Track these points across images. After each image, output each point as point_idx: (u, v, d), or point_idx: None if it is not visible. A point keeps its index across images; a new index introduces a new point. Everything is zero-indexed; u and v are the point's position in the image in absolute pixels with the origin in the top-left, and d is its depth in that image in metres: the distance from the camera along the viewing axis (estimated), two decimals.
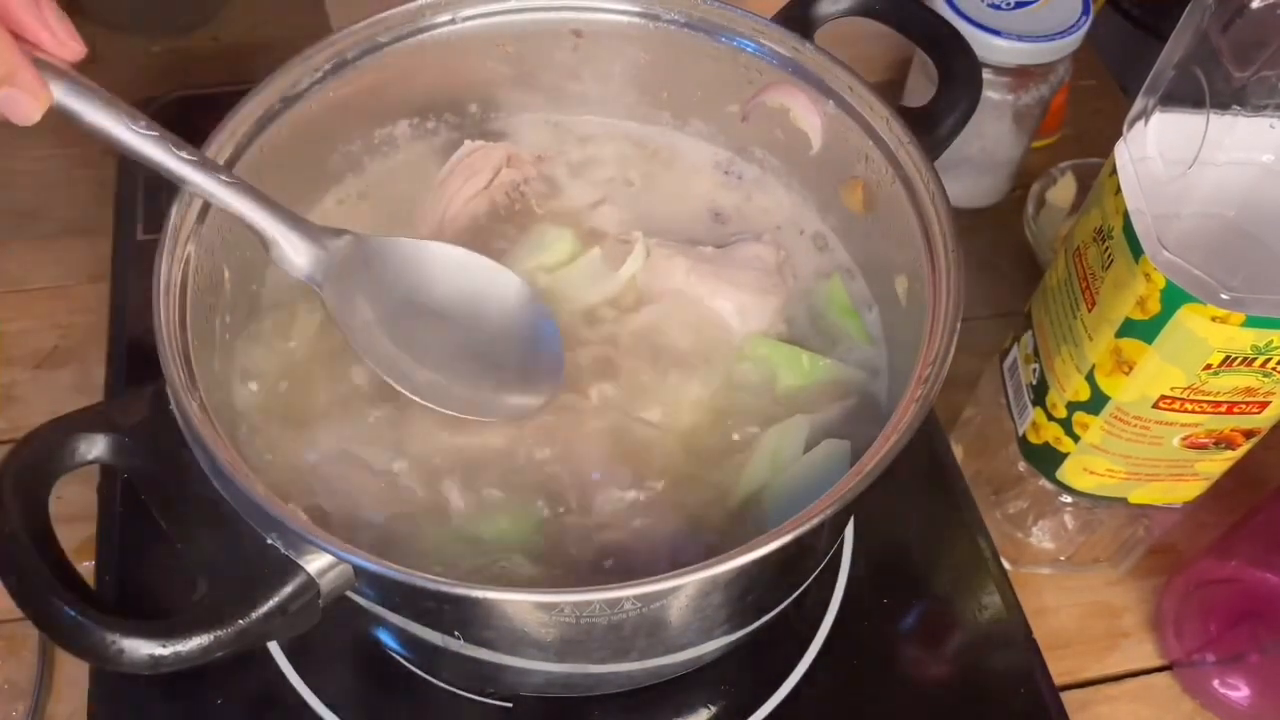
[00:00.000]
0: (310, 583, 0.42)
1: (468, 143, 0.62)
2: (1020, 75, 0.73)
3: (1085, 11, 0.72)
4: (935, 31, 0.59)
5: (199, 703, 0.58)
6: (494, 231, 0.61)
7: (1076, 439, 0.56)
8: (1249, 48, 0.44)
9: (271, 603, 0.42)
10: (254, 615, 0.41)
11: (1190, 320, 0.47)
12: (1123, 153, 0.50)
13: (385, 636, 0.54)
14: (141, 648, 0.40)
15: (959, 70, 0.57)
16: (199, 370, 0.47)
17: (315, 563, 0.42)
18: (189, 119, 0.80)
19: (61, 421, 0.45)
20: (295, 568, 0.42)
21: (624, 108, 0.65)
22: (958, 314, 0.48)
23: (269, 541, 0.42)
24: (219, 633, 0.41)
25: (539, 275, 0.59)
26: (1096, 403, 0.54)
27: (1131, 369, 0.51)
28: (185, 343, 0.48)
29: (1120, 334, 0.50)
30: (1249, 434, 0.54)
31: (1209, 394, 0.50)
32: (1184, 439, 0.54)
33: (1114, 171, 0.50)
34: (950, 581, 0.64)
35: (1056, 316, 0.56)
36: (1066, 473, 0.58)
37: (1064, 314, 0.55)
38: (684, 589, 0.44)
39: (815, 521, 0.43)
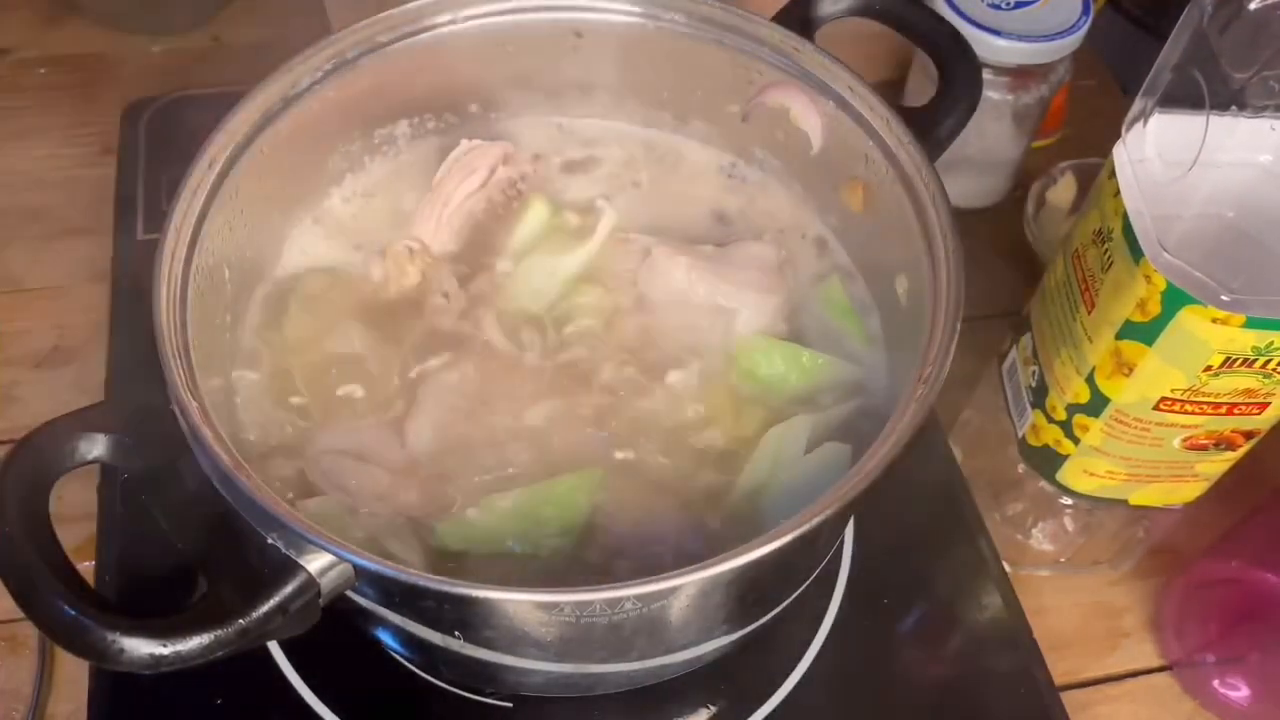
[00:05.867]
0: (311, 582, 0.42)
1: (464, 141, 0.62)
2: (1020, 75, 0.73)
3: (1085, 11, 0.72)
4: (935, 32, 0.59)
5: (199, 703, 0.58)
6: (491, 229, 0.61)
7: (1076, 441, 0.56)
8: (1247, 49, 0.44)
9: (272, 602, 0.42)
10: (254, 615, 0.41)
11: (1190, 322, 0.47)
12: (1121, 154, 0.50)
13: (385, 636, 0.54)
14: (142, 647, 0.40)
15: (959, 70, 0.57)
16: (199, 370, 0.47)
17: (316, 562, 0.42)
18: (189, 119, 0.81)
19: (61, 421, 0.45)
20: (296, 567, 0.42)
21: (624, 108, 0.65)
22: (958, 314, 0.48)
23: (269, 541, 0.42)
24: (219, 632, 0.41)
25: (529, 258, 0.59)
26: (1096, 405, 0.54)
27: (1132, 371, 0.51)
28: (185, 343, 0.48)
29: (1120, 336, 0.50)
30: (1249, 435, 0.54)
31: (1209, 395, 0.50)
32: (1184, 440, 0.54)
33: (1113, 173, 0.50)
34: (950, 581, 0.64)
35: (1056, 319, 0.56)
36: (1066, 475, 0.58)
37: (1063, 316, 0.55)
38: (684, 589, 0.44)
39: (815, 521, 0.43)
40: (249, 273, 0.57)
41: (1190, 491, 0.59)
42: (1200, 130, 0.45)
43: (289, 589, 0.42)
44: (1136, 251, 0.48)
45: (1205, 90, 0.45)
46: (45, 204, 0.80)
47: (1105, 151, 0.51)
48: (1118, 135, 0.51)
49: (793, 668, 0.60)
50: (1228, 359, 0.48)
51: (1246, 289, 0.46)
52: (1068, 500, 0.61)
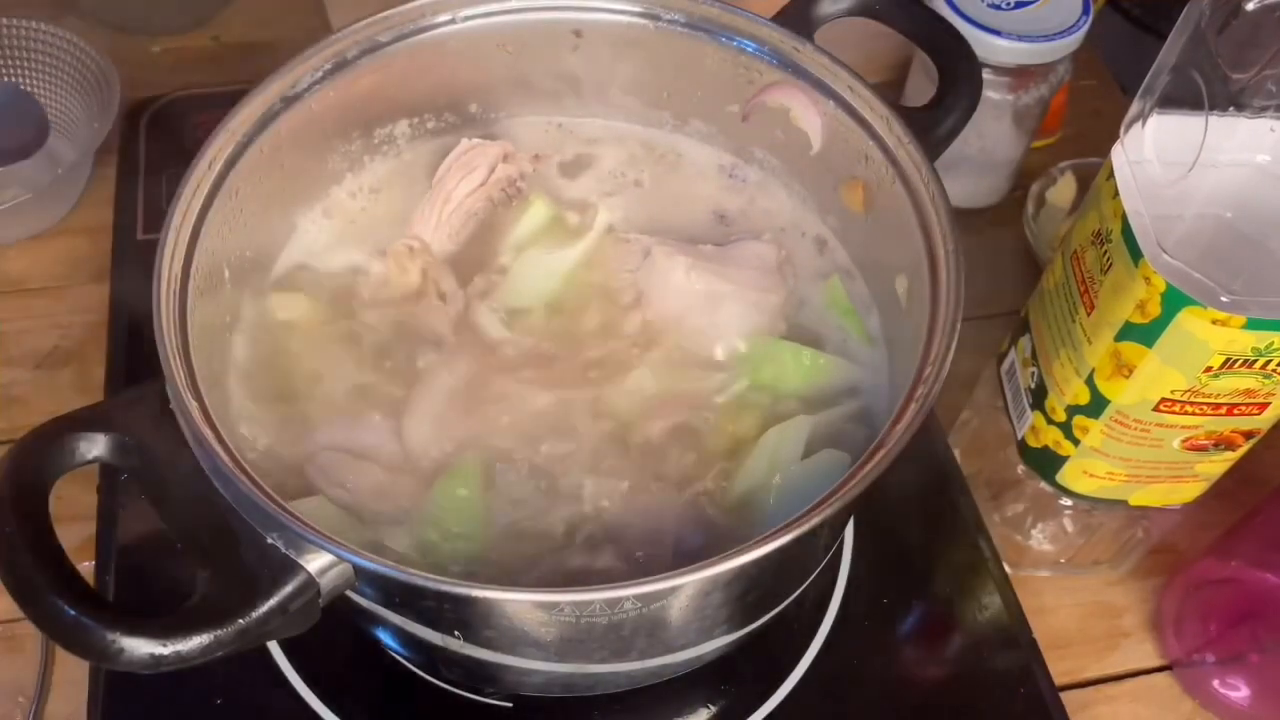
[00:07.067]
0: (310, 582, 0.42)
1: (464, 140, 0.62)
2: (1020, 75, 0.73)
3: (1085, 11, 0.72)
4: (935, 31, 0.59)
5: (199, 703, 0.58)
6: (491, 228, 0.61)
7: (1076, 442, 0.56)
8: (1246, 50, 0.44)
9: (272, 602, 0.42)
10: (254, 614, 0.41)
11: (1190, 323, 0.47)
12: (1120, 155, 0.50)
13: (385, 636, 0.54)
14: (142, 647, 0.40)
15: (959, 70, 0.57)
16: (199, 370, 0.47)
17: (315, 562, 0.42)
18: (189, 119, 0.82)
19: (61, 421, 0.45)
20: (295, 567, 0.42)
21: (624, 108, 0.65)
22: (958, 314, 0.48)
23: (269, 540, 0.42)
24: (219, 632, 0.41)
25: (528, 256, 0.59)
26: (1096, 406, 0.54)
27: (1131, 372, 0.51)
28: (185, 343, 0.48)
29: (1120, 337, 0.50)
30: (1249, 435, 0.54)
31: (1209, 396, 0.50)
32: (1184, 441, 0.54)
33: (1111, 175, 0.50)
34: (950, 581, 0.64)
35: (1054, 320, 0.56)
36: (1066, 476, 0.58)
37: (1062, 317, 0.55)
38: (684, 589, 0.44)
39: (815, 521, 0.43)
40: (249, 272, 0.57)
41: (1190, 492, 0.59)
42: (1199, 131, 0.45)
43: (289, 589, 0.42)
44: (1136, 253, 0.48)
45: (1204, 91, 0.45)
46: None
47: (1105, 152, 0.51)
48: (1117, 135, 0.51)
49: (793, 668, 0.60)
50: (1228, 360, 0.48)
51: (1246, 290, 0.45)
52: (1067, 501, 0.61)
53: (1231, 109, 0.44)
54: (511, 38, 0.61)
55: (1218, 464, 0.56)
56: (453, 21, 0.59)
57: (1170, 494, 0.59)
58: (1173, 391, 0.50)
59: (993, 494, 0.67)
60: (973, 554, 0.64)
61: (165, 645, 0.40)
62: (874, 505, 0.64)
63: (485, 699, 0.58)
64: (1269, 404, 0.51)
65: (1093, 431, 0.55)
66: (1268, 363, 0.48)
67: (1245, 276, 0.46)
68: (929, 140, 0.55)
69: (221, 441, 0.45)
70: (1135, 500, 0.59)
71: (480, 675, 0.55)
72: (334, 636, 0.59)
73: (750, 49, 0.59)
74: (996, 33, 0.70)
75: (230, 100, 0.54)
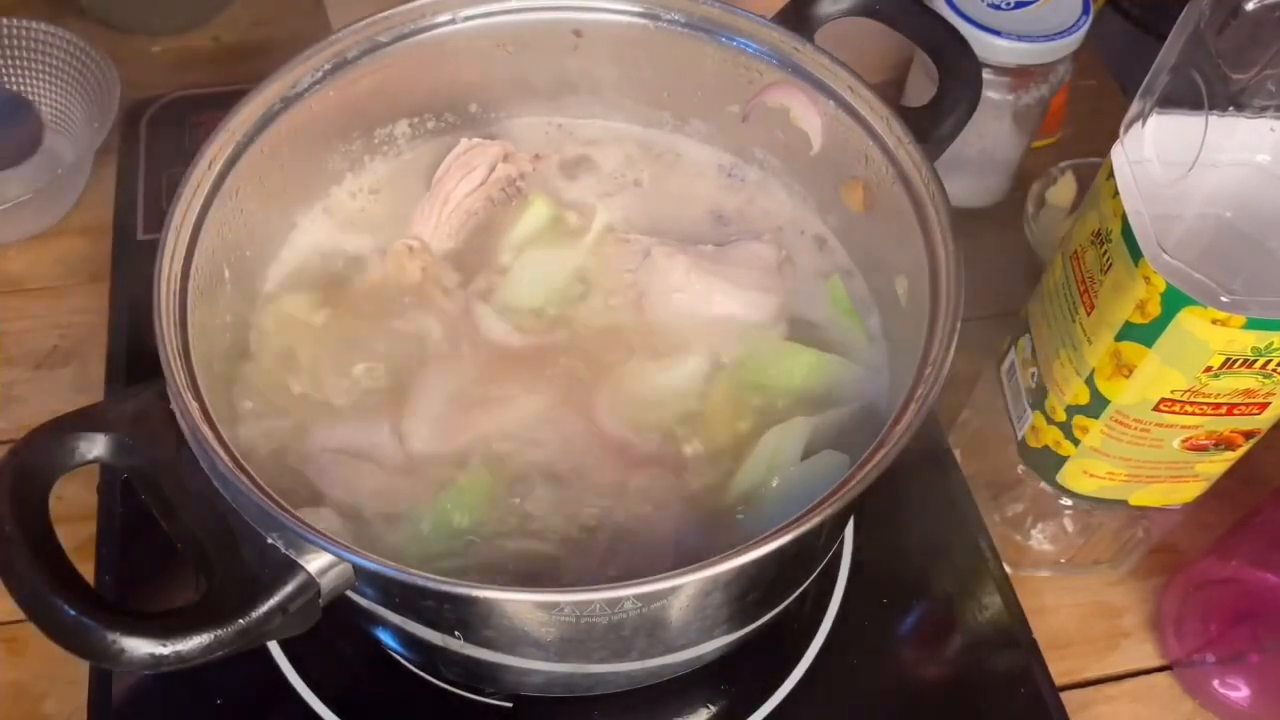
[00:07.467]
0: (310, 582, 0.42)
1: (464, 140, 0.62)
2: (1020, 75, 0.73)
3: (1085, 11, 0.72)
4: (935, 32, 0.59)
5: (199, 703, 0.58)
6: (491, 227, 0.61)
7: (1076, 442, 0.56)
8: (1245, 50, 0.44)
9: (272, 602, 0.42)
10: (254, 614, 0.41)
11: (1190, 323, 0.47)
12: (1119, 155, 0.50)
13: (385, 636, 0.54)
14: (142, 647, 0.40)
15: (959, 70, 0.57)
16: (199, 370, 0.47)
17: (315, 562, 0.42)
18: (189, 119, 0.82)
19: (61, 421, 0.45)
20: (295, 567, 0.42)
21: (624, 108, 0.65)
22: (958, 314, 0.48)
23: (269, 541, 0.42)
24: (219, 632, 0.41)
25: (528, 256, 0.60)
26: (1096, 406, 0.54)
27: (1131, 372, 0.51)
28: (185, 343, 0.48)
29: (1120, 337, 0.50)
30: (1249, 435, 0.54)
31: (1209, 396, 0.50)
32: (1184, 441, 0.54)
33: (1111, 174, 0.50)
34: (950, 581, 0.64)
35: (1054, 320, 0.56)
36: (1066, 476, 0.58)
37: (1062, 317, 0.55)
38: (684, 588, 0.44)
39: (815, 521, 0.43)
40: (249, 272, 0.57)
41: (1190, 491, 0.59)
42: (1199, 131, 0.45)
43: (289, 589, 0.42)
44: (1135, 253, 0.48)
45: (1204, 91, 0.45)
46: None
47: (1105, 152, 0.51)
48: (1117, 135, 0.51)
49: (793, 668, 0.60)
50: (1227, 360, 0.48)
51: (1246, 290, 0.45)
52: (1067, 501, 0.61)
53: (1231, 109, 0.45)
54: (511, 38, 0.61)
55: (1218, 464, 0.56)
56: (453, 21, 0.59)
57: (1170, 494, 0.59)
58: (1173, 391, 0.50)
59: (993, 494, 0.67)
60: (973, 554, 0.64)
61: (165, 645, 0.40)
62: (874, 505, 0.64)
63: (485, 699, 0.58)
64: (1269, 404, 0.51)
65: (1093, 431, 0.55)
66: (1268, 363, 0.48)
67: (1245, 276, 0.46)
68: (929, 140, 0.55)
69: (221, 441, 0.45)
70: (1135, 500, 0.59)
71: (480, 675, 0.55)
72: (334, 636, 0.59)
73: (750, 49, 0.59)
74: (996, 33, 0.70)
75: (230, 100, 0.54)
